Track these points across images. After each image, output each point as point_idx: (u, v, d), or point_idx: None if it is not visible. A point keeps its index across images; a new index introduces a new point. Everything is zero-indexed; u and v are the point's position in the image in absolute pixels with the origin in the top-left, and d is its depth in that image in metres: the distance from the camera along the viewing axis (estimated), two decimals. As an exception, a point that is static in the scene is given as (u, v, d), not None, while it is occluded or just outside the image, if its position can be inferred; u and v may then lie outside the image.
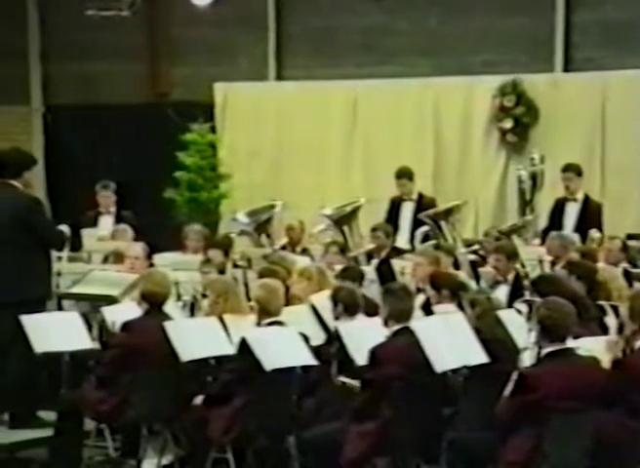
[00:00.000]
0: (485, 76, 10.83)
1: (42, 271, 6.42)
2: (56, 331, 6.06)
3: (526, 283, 7.22)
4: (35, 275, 6.36)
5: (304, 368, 5.62)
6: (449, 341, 5.29)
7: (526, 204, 9.77)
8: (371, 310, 6.12)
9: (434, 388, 5.32)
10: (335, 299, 6.12)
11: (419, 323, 5.50)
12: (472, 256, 8.60)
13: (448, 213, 9.14)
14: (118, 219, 9.64)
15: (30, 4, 12.49)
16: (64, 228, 6.76)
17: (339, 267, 7.61)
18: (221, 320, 6.07)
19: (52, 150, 12.38)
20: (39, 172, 6.98)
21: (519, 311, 6.16)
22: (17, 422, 6.29)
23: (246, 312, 6.27)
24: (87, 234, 8.24)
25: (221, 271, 7.59)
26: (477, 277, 7.95)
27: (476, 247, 8.89)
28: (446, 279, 6.61)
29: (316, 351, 5.75)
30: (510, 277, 7.54)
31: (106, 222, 9.51)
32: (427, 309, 6.52)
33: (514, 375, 4.98)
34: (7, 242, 6.28)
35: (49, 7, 12.45)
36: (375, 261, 8.58)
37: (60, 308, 6.83)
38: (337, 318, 6.09)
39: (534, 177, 9.77)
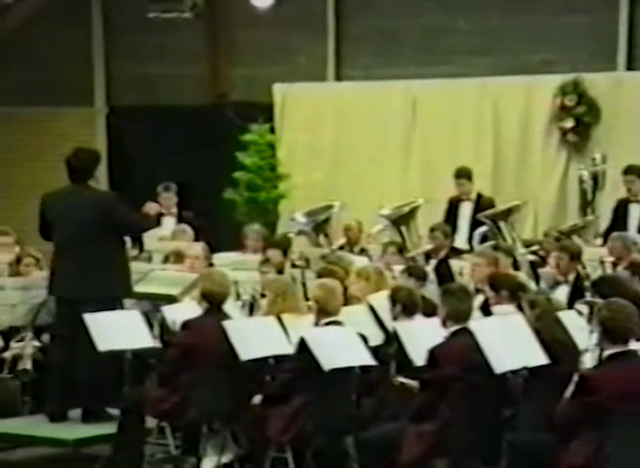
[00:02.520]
0: (545, 75, 10.71)
1: (125, 268, 6.53)
2: (118, 330, 6.14)
3: (587, 284, 7.12)
4: (119, 272, 6.47)
5: (363, 368, 5.61)
6: (508, 342, 5.24)
7: (587, 204, 9.64)
8: (429, 310, 6.09)
9: (493, 389, 5.28)
10: (393, 299, 6.10)
11: (477, 323, 5.46)
12: (532, 257, 8.51)
13: (507, 213, 9.06)
14: (180, 220, 9.73)
15: (94, 6, 12.66)
16: (154, 206, 6.83)
17: (396, 267, 7.60)
18: (280, 319, 6.09)
19: (114, 151, 12.52)
20: (102, 172, 7.10)
21: (580, 312, 6.08)
22: (88, 417, 6.40)
23: (304, 312, 6.29)
24: (148, 234, 8.31)
25: (280, 271, 7.62)
26: (537, 278, 7.87)
27: (536, 247, 8.79)
28: (505, 280, 6.54)
29: (374, 351, 5.74)
30: (571, 278, 7.44)
31: (168, 223, 9.60)
32: (486, 310, 6.46)
33: (575, 377, 4.91)
34: (93, 239, 6.39)
35: (113, 9, 12.61)
36: (433, 262, 8.54)
37: (121, 307, 6.90)
38: (395, 318, 6.07)
39: (595, 178, 9.64)
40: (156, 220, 9.57)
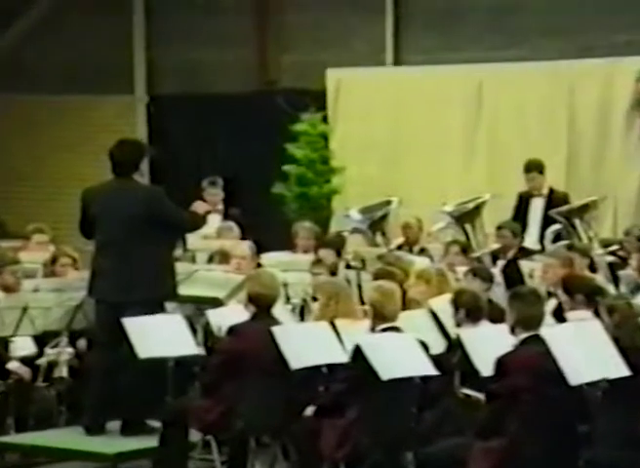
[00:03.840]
0: (627, 57, 10.54)
1: (171, 270, 6.55)
2: (159, 336, 6.17)
3: (673, 287, 7.02)
4: (165, 274, 6.49)
5: (424, 378, 5.60)
6: (584, 351, 5.18)
7: (672, 199, 9.50)
8: (496, 316, 6.05)
9: (568, 402, 5.22)
10: (456, 304, 6.08)
11: (550, 330, 5.40)
12: (611, 258, 8.40)
13: (583, 209, 8.96)
14: (226, 217, 9.76)
15: (135, -11, 12.78)
16: (203, 205, 6.85)
17: (460, 269, 7.57)
18: (333, 325, 6.11)
19: (156, 143, 12.59)
20: (143, 166, 7.18)
21: (664, 319, 5.98)
22: (128, 430, 6.45)
23: (359, 317, 6.31)
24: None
25: (333, 272, 7.64)
26: (616, 281, 7.77)
27: (615, 247, 8.68)
28: (580, 283, 6.47)
29: (436, 360, 5.72)
30: (654, 281, 7.35)
31: (214, 220, 9.61)
32: (559, 316, 6.40)
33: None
34: (138, 238, 6.41)
35: (154, -8, 12.72)
36: (500, 263, 8.49)
37: (163, 311, 6.94)
38: (458, 324, 6.06)
39: (681, 170, 9.49)
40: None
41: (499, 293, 7.05)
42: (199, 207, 6.79)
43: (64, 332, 6.92)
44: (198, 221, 6.79)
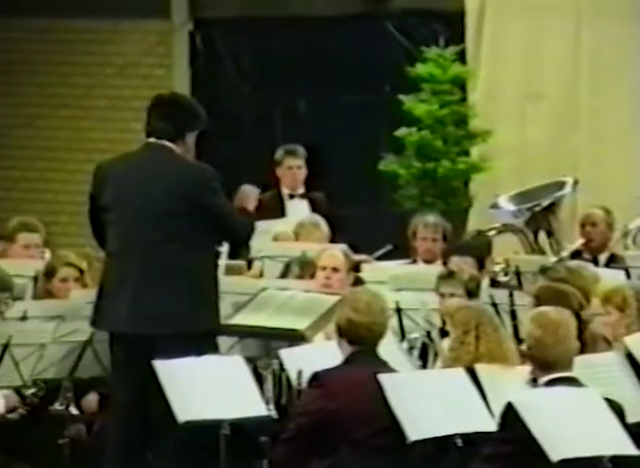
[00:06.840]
0: None
1: (216, 289, 6.63)
2: (208, 389, 6.21)
3: None
4: (209, 295, 6.57)
5: (617, 460, 5.56)
6: None
7: None
8: None
9: None
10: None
11: None
12: None
13: None
14: (311, 206, 9.83)
15: None
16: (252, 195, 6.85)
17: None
18: (472, 372, 6.16)
19: (201, 84, 12.70)
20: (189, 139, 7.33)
21: None
22: None
23: (512, 360, 6.36)
24: (256, 230, 8.47)
25: (472, 292, 7.66)
26: None
27: None
28: None
29: (636, 432, 5.70)
30: None
31: (293, 210, 9.69)
32: None
33: None
34: (170, 241, 6.50)
35: None
36: None
37: (213, 349, 7.03)
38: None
39: None
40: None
41: None
42: (249, 198, 6.80)
43: (65, 384, 7.00)
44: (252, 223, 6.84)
